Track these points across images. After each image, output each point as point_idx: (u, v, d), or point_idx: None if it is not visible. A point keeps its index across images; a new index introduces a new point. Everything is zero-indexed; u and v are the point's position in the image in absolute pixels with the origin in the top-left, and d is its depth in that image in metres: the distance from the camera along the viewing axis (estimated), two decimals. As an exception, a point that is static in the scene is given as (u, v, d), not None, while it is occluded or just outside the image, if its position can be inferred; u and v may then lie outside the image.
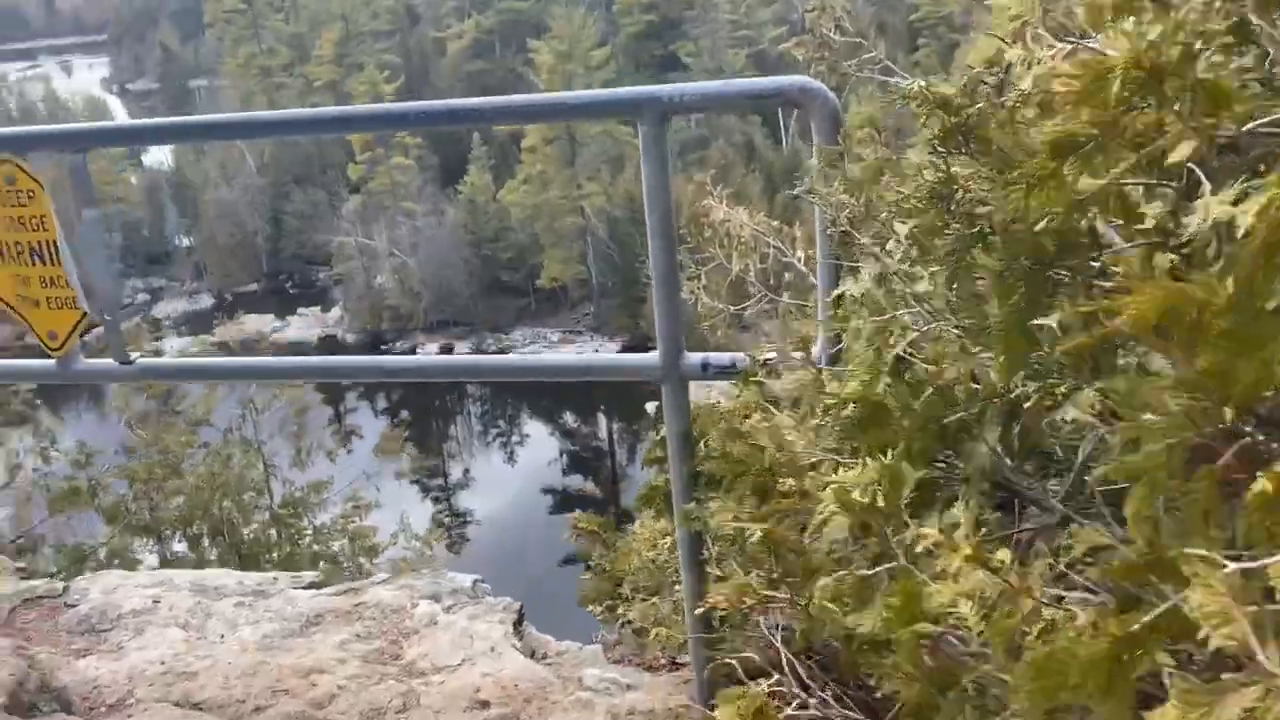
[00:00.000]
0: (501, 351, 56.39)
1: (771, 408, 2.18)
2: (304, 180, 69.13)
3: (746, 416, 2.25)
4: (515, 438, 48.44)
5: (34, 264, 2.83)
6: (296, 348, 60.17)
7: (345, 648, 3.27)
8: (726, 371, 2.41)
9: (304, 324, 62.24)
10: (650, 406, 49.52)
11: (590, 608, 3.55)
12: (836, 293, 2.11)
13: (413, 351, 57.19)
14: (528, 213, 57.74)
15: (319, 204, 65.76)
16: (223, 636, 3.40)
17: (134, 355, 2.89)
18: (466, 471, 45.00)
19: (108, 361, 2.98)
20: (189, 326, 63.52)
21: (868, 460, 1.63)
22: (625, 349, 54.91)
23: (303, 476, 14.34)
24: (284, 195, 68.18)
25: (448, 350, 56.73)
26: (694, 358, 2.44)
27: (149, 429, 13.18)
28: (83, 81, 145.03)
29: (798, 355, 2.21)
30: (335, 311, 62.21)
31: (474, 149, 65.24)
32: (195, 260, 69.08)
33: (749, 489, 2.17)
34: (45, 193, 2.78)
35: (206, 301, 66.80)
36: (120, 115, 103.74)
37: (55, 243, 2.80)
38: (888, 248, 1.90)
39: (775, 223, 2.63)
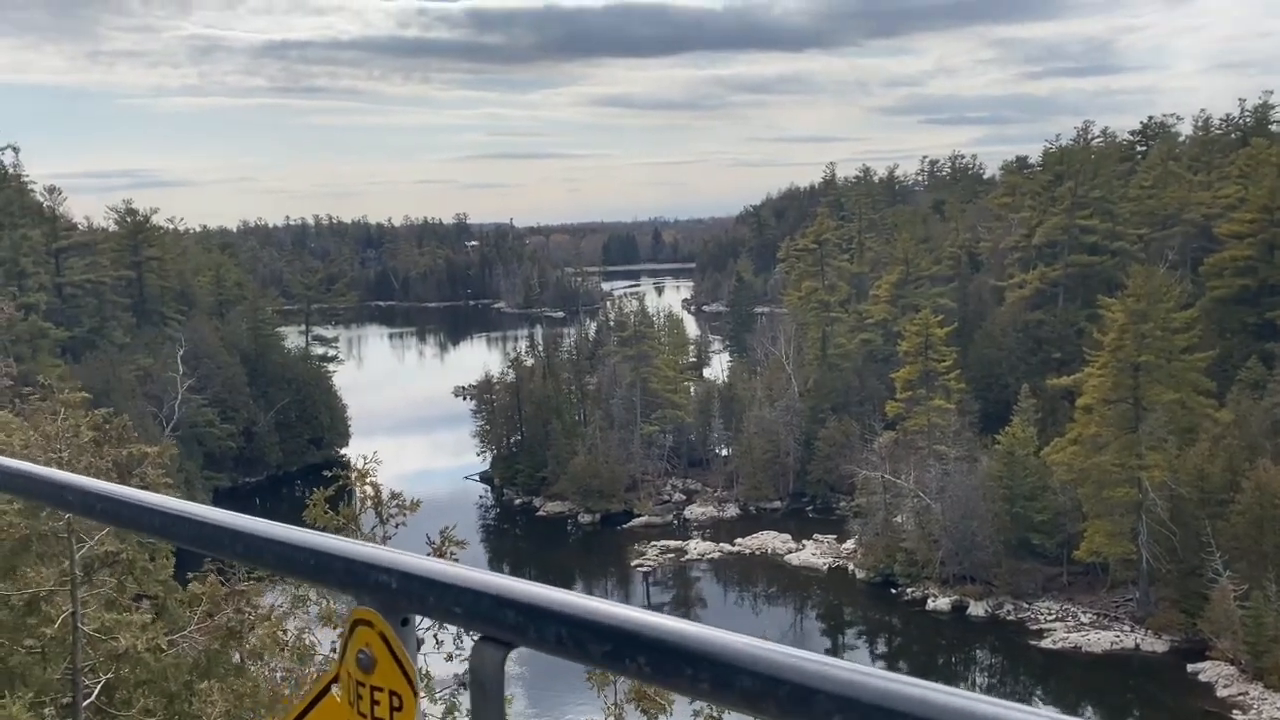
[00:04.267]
0: (1019, 623, 51.03)
1: None
2: (841, 409, 70.76)
3: None
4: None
5: None
6: (805, 572, 59.98)
7: None
8: None
9: (816, 550, 62.24)
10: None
11: None
12: None
13: (923, 603, 53.90)
14: (1073, 475, 52.71)
15: (851, 434, 66.59)
16: None
17: None
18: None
19: None
20: (713, 532, 66.66)
21: None
22: (1173, 650, 46.68)
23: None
24: (820, 421, 70.27)
25: (961, 608, 52.51)
26: None
27: None
28: (668, 300, 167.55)
29: None
30: (850, 544, 61.38)
31: (1020, 400, 62.05)
32: (730, 470, 73.21)
33: None
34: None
35: (732, 511, 69.95)
36: (691, 330, 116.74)
37: None
38: None
39: None
